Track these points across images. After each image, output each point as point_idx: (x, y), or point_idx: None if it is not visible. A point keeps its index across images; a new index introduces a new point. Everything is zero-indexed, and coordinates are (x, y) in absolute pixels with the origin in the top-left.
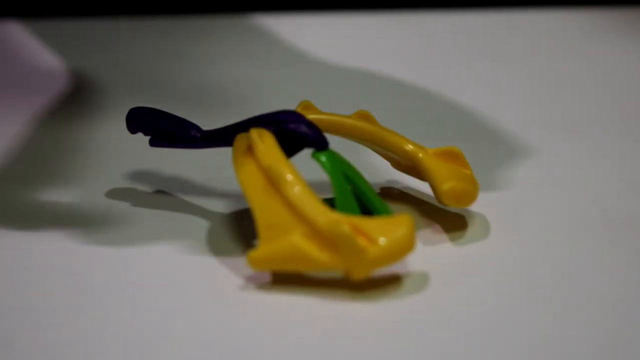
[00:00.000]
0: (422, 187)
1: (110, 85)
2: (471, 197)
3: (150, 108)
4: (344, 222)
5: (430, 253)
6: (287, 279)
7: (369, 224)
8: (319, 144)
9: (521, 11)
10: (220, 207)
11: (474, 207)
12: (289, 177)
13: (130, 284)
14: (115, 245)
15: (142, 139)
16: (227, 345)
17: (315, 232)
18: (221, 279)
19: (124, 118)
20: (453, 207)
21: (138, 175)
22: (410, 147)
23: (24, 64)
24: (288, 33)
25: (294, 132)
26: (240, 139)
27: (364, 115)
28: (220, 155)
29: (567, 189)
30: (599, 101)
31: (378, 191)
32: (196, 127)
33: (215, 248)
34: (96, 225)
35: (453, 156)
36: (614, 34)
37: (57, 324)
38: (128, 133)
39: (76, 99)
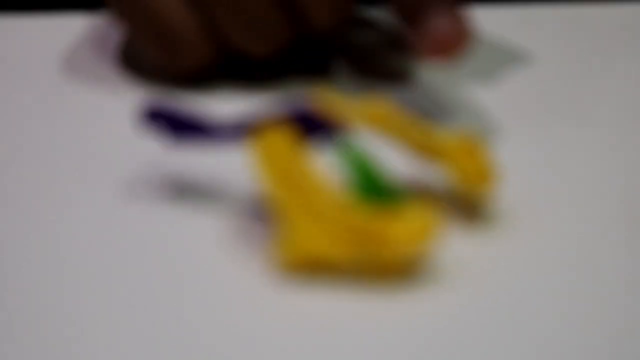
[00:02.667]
0: (439, 174)
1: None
2: (489, 184)
3: (166, 103)
4: (366, 216)
5: (448, 243)
6: (309, 274)
7: (390, 216)
8: (337, 135)
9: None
10: (240, 202)
11: (492, 197)
12: (310, 171)
13: (150, 280)
14: (133, 246)
15: (157, 134)
16: (248, 338)
17: (339, 228)
18: (243, 276)
19: (140, 114)
20: (471, 194)
21: (154, 172)
22: (426, 133)
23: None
24: None
25: (312, 123)
26: (258, 135)
27: (380, 103)
28: (238, 152)
29: (587, 182)
30: (623, 94)
31: (395, 180)
32: (211, 121)
33: (236, 243)
34: (113, 223)
35: (470, 143)
36: None
37: (79, 320)
38: (142, 128)
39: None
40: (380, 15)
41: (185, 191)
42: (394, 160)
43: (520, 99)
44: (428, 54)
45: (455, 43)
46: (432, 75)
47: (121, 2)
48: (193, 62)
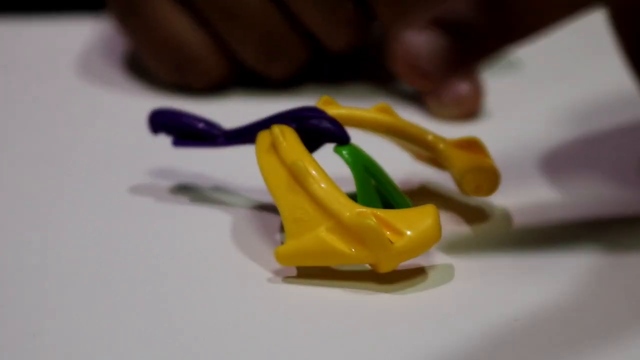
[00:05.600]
0: (442, 179)
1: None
2: (493, 186)
3: (172, 109)
4: (370, 215)
5: (453, 244)
6: (313, 272)
7: (395, 215)
8: (341, 139)
9: None
10: (244, 202)
11: (495, 199)
12: (313, 172)
13: (156, 278)
14: (139, 241)
15: (164, 137)
16: (254, 336)
17: (342, 227)
18: (247, 273)
19: (147, 118)
20: (475, 198)
21: (161, 172)
22: (430, 138)
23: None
24: None
25: (316, 127)
26: (262, 136)
27: (384, 109)
28: (243, 151)
29: (589, 184)
30: (624, 95)
31: (399, 184)
32: (218, 126)
33: (241, 242)
34: (119, 222)
35: (474, 145)
36: None
37: (81, 319)
38: (148, 132)
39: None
40: None
41: (189, 192)
42: (398, 163)
43: (512, 98)
44: (448, 111)
45: (472, 102)
46: None
47: (129, 22)
48: (206, 82)
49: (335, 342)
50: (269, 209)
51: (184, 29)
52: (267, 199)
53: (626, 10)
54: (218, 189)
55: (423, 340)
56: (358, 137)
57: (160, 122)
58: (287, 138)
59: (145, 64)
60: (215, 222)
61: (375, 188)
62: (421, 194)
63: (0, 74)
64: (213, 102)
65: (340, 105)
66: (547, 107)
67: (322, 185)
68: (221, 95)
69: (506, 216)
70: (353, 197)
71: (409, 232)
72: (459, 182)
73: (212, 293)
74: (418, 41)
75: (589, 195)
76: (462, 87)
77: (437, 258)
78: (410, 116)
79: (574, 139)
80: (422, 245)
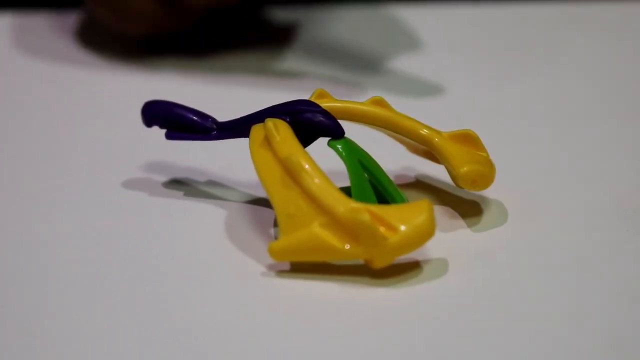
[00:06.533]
0: (437, 173)
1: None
2: (488, 179)
3: (166, 101)
4: (364, 211)
5: (448, 239)
6: (307, 267)
7: (389, 211)
8: (335, 133)
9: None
10: (238, 196)
11: (490, 193)
12: (307, 167)
13: (150, 273)
14: (133, 236)
15: (157, 130)
16: (247, 332)
17: (335, 222)
18: (241, 268)
19: (141, 111)
20: (469, 192)
21: (154, 167)
22: (425, 131)
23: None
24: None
25: (310, 121)
26: (256, 129)
27: (378, 102)
28: (237, 145)
29: (582, 178)
30: (615, 92)
31: (393, 178)
32: (212, 119)
33: (234, 237)
34: (113, 217)
35: (469, 139)
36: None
37: (75, 318)
38: (143, 126)
39: (93, 88)
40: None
41: (182, 186)
42: (392, 157)
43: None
44: None
45: None
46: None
47: None
48: (142, 26)
49: (328, 336)
50: (263, 203)
51: None
52: (261, 193)
53: None
54: (212, 183)
55: (417, 335)
56: (352, 131)
57: (153, 114)
58: (281, 132)
59: (92, 13)
60: (208, 216)
61: (369, 182)
62: (416, 188)
63: None
64: (204, 97)
65: (334, 98)
66: (545, 106)
67: (316, 181)
68: (213, 89)
69: (501, 210)
70: (347, 191)
71: (402, 228)
72: (454, 176)
73: (205, 288)
74: None
75: (585, 189)
76: None
77: (432, 252)
78: (404, 109)
79: (566, 128)
80: (416, 241)
